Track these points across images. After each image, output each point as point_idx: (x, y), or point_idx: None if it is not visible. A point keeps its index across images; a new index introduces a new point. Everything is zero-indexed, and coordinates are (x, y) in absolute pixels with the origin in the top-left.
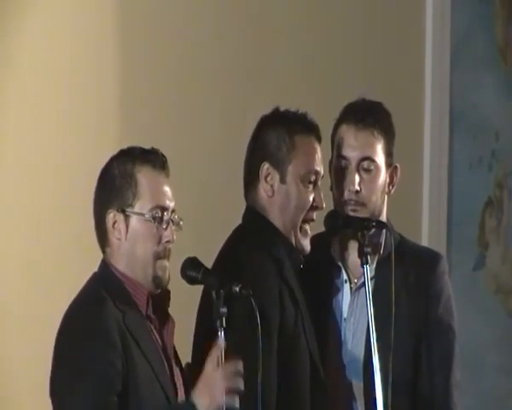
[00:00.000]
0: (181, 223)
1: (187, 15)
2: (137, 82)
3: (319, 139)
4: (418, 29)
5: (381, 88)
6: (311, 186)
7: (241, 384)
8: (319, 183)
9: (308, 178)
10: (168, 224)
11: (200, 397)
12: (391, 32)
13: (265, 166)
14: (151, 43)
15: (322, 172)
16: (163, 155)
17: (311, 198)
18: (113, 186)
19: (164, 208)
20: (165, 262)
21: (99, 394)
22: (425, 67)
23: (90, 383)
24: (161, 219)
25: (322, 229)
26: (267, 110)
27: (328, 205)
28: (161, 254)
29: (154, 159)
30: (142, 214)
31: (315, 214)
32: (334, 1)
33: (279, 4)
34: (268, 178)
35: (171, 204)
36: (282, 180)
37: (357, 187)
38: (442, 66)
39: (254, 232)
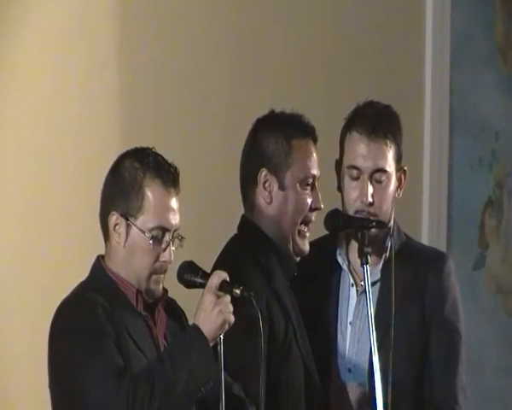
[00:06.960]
0: (183, 241)
1: (187, 15)
2: (138, 85)
3: (315, 141)
4: (418, 29)
5: (381, 88)
6: (308, 188)
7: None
8: (316, 184)
9: (306, 182)
10: (168, 245)
11: (201, 323)
12: (391, 32)
13: (263, 172)
14: (152, 46)
15: (318, 174)
16: (176, 169)
17: (309, 201)
18: (121, 187)
19: (166, 229)
20: (160, 277)
21: (108, 364)
22: (425, 67)
23: (96, 358)
24: (161, 240)
25: (322, 228)
26: None
27: (328, 205)
28: (157, 271)
29: (165, 175)
30: (143, 231)
31: (314, 215)
32: (333, 1)
33: (279, 5)
34: (266, 185)
35: (174, 223)
36: (281, 187)
37: (370, 199)
38: (442, 66)
39: (245, 243)
